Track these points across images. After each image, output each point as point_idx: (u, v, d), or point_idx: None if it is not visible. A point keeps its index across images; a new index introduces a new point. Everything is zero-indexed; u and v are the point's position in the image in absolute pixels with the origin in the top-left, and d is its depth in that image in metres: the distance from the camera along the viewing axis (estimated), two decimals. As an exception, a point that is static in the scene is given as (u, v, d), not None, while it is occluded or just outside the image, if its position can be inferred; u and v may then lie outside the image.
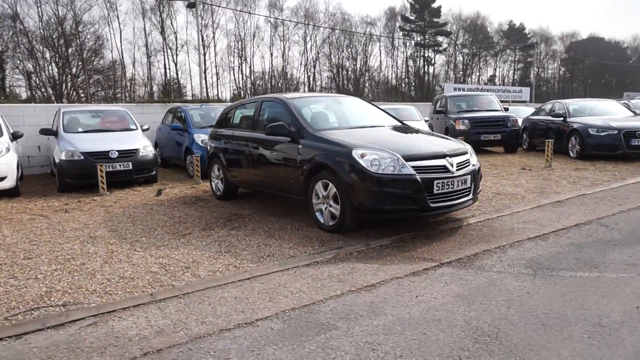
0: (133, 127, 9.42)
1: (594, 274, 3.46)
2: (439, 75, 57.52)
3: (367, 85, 56.62)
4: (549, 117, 12.16)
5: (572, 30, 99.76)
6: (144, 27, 46.07)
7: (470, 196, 4.80)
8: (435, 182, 4.41)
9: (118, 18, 48.31)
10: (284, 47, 51.69)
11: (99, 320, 2.87)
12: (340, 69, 54.85)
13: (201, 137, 9.43)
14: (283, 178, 5.47)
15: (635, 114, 11.47)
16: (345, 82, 54.93)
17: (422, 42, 53.64)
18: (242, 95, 41.42)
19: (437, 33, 53.95)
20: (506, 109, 14.40)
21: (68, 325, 2.81)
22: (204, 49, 42.82)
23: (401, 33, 53.54)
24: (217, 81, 50.37)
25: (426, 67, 55.60)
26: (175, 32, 46.70)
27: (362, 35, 51.93)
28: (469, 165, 4.83)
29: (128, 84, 46.46)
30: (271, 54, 51.49)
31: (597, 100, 13.14)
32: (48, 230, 5.36)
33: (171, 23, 46.83)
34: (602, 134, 10.08)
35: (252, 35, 49.69)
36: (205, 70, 42.16)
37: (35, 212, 6.54)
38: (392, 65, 56.29)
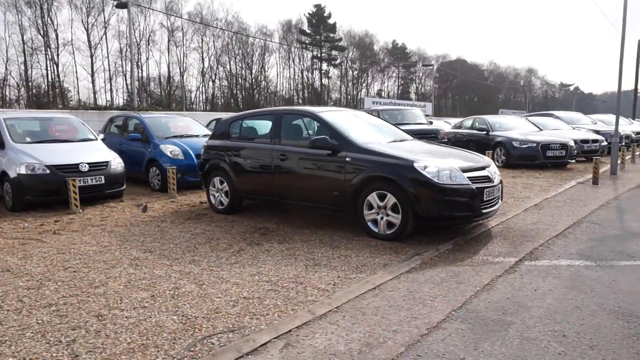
0: (91, 136, 8.51)
1: (637, 261, 4.31)
2: (333, 88, 60.31)
3: (262, 95, 56.88)
4: (473, 131, 13.87)
5: (444, 52, 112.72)
6: (19, 21, 40.42)
7: (500, 202, 5.49)
8: (485, 190, 5.00)
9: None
10: (180, 54, 49.56)
11: (289, 341, 2.81)
12: (236, 78, 54.30)
13: (169, 149, 8.92)
14: (322, 189, 5.59)
15: (540, 129, 13.68)
16: (242, 91, 54.54)
17: (319, 55, 55.85)
18: (138, 102, 38.54)
19: (332, 48, 56.65)
20: (430, 123, 15.97)
21: (264, 349, 2.70)
22: (90, 50, 39.04)
23: (299, 45, 55.11)
24: (108, 86, 46.24)
25: (322, 80, 57.93)
26: (55, 30, 41.80)
27: (259, 46, 52.20)
28: (497, 175, 5.52)
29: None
30: (167, 60, 48.99)
31: (506, 116, 15.33)
32: (66, 256, 4.74)
33: (51, 20, 41.75)
34: (524, 146, 11.88)
35: (147, 39, 46.71)
36: (93, 73, 38.44)
37: (15, 235, 5.64)
38: (288, 77, 57.52)
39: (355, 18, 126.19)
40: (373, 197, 5.12)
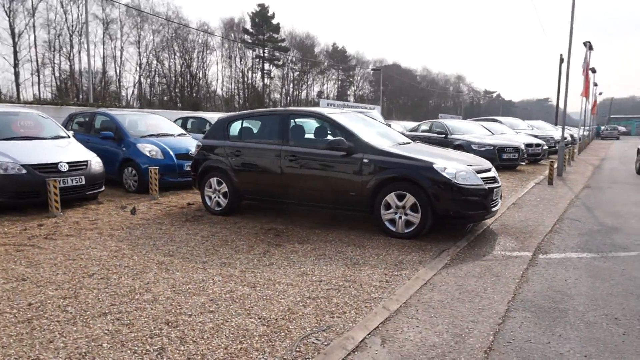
0: (62, 133, 7.90)
1: (634, 252, 4.87)
2: (274, 89, 60.02)
3: (202, 94, 55.29)
4: (432, 134, 14.58)
5: (380, 56, 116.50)
6: None
7: (500, 201, 5.92)
8: (494, 190, 5.37)
9: None
10: (115, 47, 46.77)
11: (383, 336, 2.89)
12: (175, 76, 52.32)
13: (147, 148, 8.53)
14: (336, 191, 5.68)
15: (492, 133, 14.70)
16: (180, 89, 52.63)
17: (262, 55, 55.29)
18: (71, 97, 35.87)
19: (275, 48, 56.34)
20: (389, 125, 16.54)
21: (365, 346, 2.76)
22: (13, 39, 35.65)
23: (241, 44, 54.15)
24: (35, 78, 42.42)
25: (264, 80, 57.43)
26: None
27: (199, 43, 50.65)
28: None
29: None
30: (102, 53, 45.99)
31: (461, 121, 16.28)
32: (80, 262, 4.44)
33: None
34: (482, 149, 12.71)
35: (79, 30, 43.44)
36: (16, 64, 35.14)
37: (1, 242, 5.15)
38: (229, 76, 56.37)
39: (298, 20, 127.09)
40: (391, 198, 5.31)
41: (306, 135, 6.21)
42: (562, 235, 5.65)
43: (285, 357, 2.61)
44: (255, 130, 6.72)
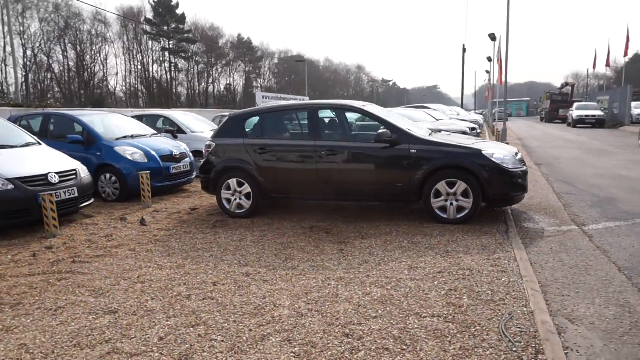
0: (31, 140, 6.75)
1: (629, 221, 5.59)
2: (180, 83, 56.86)
3: (101, 89, 50.59)
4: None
5: (285, 47, 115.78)
6: None
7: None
8: (526, 172, 5.78)
9: None
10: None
11: (568, 317, 3.01)
12: (68, 71, 47.09)
13: (128, 151, 7.68)
14: (382, 183, 5.67)
15: (436, 119, 15.62)
16: (77, 84, 47.60)
17: (168, 47, 51.80)
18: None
19: (182, 39, 53.12)
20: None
21: (564, 328, 2.86)
22: None
23: (144, 36, 50.19)
24: None
25: (171, 73, 53.99)
26: None
27: (96, 35, 46.02)
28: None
29: None
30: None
31: (411, 109, 17.02)
32: (156, 284, 3.94)
33: None
34: (436, 134, 13.47)
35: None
36: None
37: (18, 272, 4.33)
38: (131, 70, 52.11)
39: (201, 9, 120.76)
40: (442, 185, 5.44)
41: (340, 129, 6.08)
42: (578, 208, 6.27)
43: (509, 348, 2.60)
44: (278, 126, 6.39)
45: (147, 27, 50.90)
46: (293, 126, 6.30)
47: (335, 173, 5.85)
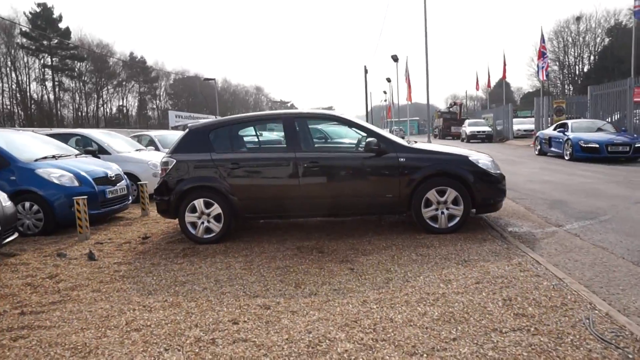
0: None
1: (607, 216, 6.03)
2: (65, 104, 51.25)
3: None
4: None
5: (182, 67, 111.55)
6: None
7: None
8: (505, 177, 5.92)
9: None
10: None
11: (620, 308, 2.94)
12: None
13: (55, 174, 6.45)
14: (371, 194, 5.38)
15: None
16: None
17: (51, 64, 46.26)
18: None
19: (67, 57, 47.82)
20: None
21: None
22: None
23: (21, 52, 44.26)
24: None
25: (56, 93, 48.19)
26: None
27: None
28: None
29: None
30: None
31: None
32: (167, 328, 3.17)
33: None
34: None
35: None
36: None
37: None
38: (4, 89, 45.57)
39: (86, 24, 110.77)
40: (432, 194, 5.32)
41: (321, 140, 5.69)
42: (541, 211, 6.57)
43: (625, 356, 2.42)
44: (251, 138, 5.80)
45: (25, 41, 45.13)
46: (268, 138, 5.76)
47: (320, 187, 5.42)
